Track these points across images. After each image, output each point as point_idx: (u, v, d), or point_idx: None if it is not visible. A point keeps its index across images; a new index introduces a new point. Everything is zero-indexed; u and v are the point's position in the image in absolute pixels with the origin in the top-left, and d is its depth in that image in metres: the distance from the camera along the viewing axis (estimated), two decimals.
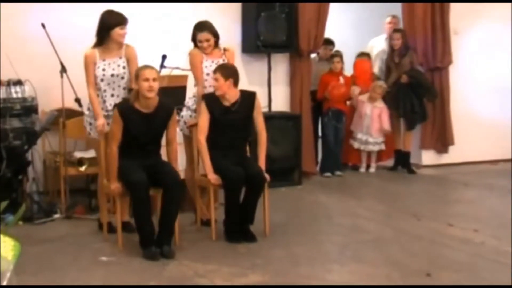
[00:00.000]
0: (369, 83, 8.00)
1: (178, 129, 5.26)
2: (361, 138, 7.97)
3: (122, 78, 5.19)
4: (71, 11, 6.57)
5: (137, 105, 4.82)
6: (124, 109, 4.83)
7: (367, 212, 5.97)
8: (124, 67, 5.19)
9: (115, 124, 4.82)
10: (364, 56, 8.20)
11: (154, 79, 4.76)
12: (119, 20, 5.12)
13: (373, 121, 7.91)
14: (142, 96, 4.78)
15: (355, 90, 7.87)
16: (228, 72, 5.05)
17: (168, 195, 4.67)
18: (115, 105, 5.00)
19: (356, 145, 8.01)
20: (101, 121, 5.09)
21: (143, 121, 4.81)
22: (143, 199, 4.62)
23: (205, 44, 5.29)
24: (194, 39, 5.36)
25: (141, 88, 4.75)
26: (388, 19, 8.44)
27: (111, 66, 5.16)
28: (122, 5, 5.67)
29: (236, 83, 5.09)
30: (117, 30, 5.11)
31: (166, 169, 4.81)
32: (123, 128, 4.79)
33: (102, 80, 5.15)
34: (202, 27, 5.32)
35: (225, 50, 5.42)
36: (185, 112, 5.49)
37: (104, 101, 5.18)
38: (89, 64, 5.15)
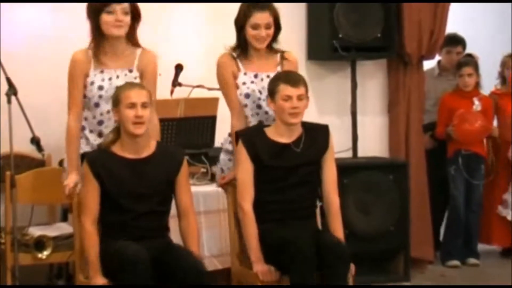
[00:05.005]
0: None
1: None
2: None
3: None
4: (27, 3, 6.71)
5: (117, 148, 4.93)
6: (97, 158, 4.93)
7: None
8: None
9: (87, 186, 4.92)
10: None
11: (144, 105, 4.85)
12: (103, 3, 5.16)
13: None
14: (126, 133, 4.90)
15: None
16: (306, 85, 5.16)
17: None
18: (82, 155, 5.05)
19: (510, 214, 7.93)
20: (72, 177, 5.13)
21: (129, 172, 4.90)
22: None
23: (263, 33, 5.33)
24: (241, 26, 5.38)
25: (124, 120, 4.85)
26: None
27: (113, 82, 5.18)
28: None
29: None
30: (103, 18, 5.16)
31: (180, 255, 4.83)
32: (100, 190, 4.86)
33: (96, 104, 5.20)
34: (262, 5, 5.37)
35: (283, 58, 5.49)
36: (223, 156, 5.57)
37: (100, 134, 5.23)
38: (76, 74, 5.21)
